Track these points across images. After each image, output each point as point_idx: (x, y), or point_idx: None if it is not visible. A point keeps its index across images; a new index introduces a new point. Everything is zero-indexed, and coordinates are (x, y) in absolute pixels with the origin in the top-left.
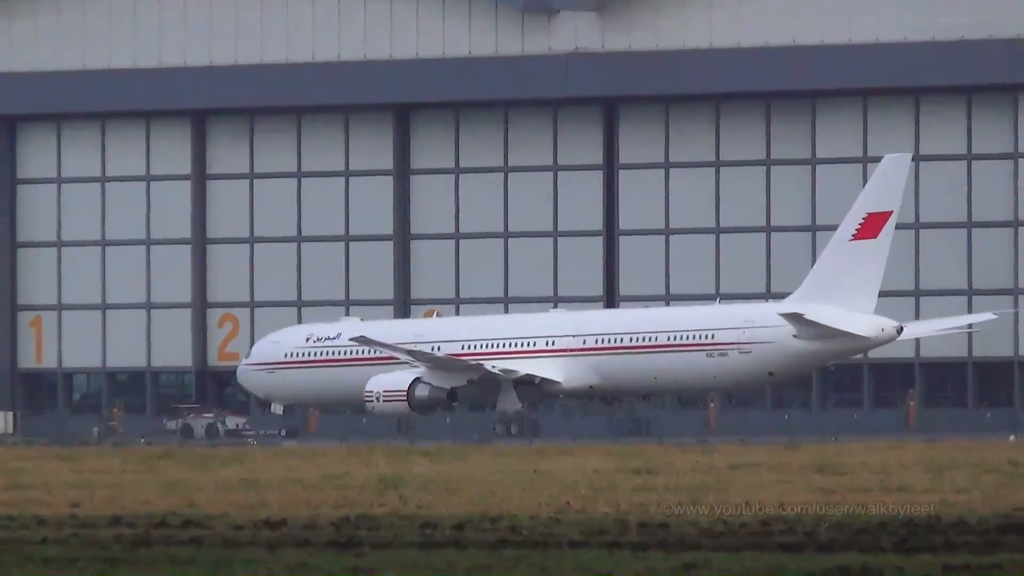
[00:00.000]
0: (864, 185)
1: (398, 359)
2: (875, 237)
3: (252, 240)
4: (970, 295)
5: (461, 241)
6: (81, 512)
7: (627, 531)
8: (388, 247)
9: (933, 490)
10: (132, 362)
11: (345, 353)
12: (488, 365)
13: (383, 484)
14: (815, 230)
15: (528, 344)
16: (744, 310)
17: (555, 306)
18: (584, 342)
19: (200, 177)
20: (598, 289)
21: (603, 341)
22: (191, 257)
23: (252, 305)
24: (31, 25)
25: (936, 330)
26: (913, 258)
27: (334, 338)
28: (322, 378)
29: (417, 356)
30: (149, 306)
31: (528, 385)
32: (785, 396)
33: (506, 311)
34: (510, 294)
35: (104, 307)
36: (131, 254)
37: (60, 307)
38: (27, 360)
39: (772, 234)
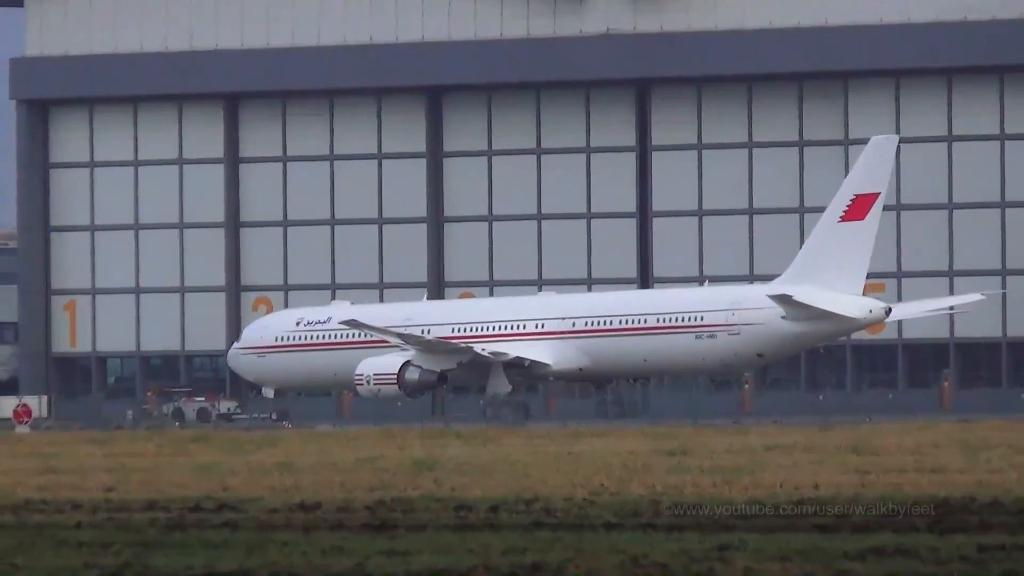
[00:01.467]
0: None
1: (388, 342)
2: (863, 219)
3: (285, 223)
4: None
5: (494, 223)
6: (115, 496)
7: (661, 513)
8: (421, 230)
9: (968, 470)
10: (166, 346)
11: (335, 337)
12: (478, 348)
13: (417, 467)
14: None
15: (518, 327)
16: (733, 292)
17: (576, 288)
18: (573, 325)
19: (233, 160)
20: (632, 271)
21: (593, 324)
22: (224, 240)
23: (286, 288)
24: (63, 9)
25: (924, 311)
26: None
27: (324, 322)
28: (312, 362)
29: (407, 339)
30: (183, 290)
31: (518, 368)
32: (820, 377)
33: (540, 292)
34: (544, 276)
35: (138, 291)
36: (164, 238)
37: (94, 291)
38: (61, 344)
39: (805, 215)
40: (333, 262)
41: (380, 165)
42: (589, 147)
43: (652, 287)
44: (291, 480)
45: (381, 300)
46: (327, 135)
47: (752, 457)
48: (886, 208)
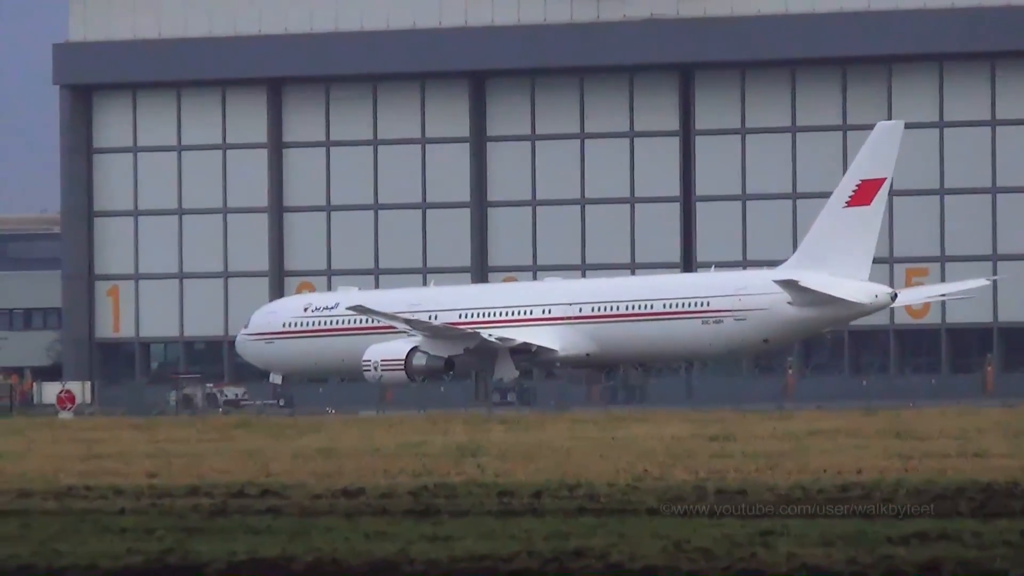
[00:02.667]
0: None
1: (395, 328)
2: (868, 204)
3: (328, 208)
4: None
5: (538, 208)
6: (158, 482)
7: (705, 498)
8: (465, 214)
9: (1011, 455)
10: (209, 331)
11: (343, 322)
12: (485, 333)
13: (460, 452)
14: (892, 195)
15: (525, 312)
16: (739, 277)
17: (620, 272)
18: (580, 310)
19: (276, 145)
20: (675, 256)
21: (599, 309)
22: (268, 225)
23: (329, 273)
24: None
25: (929, 296)
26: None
27: (332, 308)
28: (320, 347)
29: (414, 325)
30: (226, 275)
31: (525, 353)
32: (863, 362)
33: (583, 277)
34: (587, 261)
35: (181, 276)
36: (208, 223)
37: (137, 276)
38: (104, 330)
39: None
40: (376, 247)
41: (424, 150)
42: (632, 132)
43: (696, 272)
44: (334, 466)
45: (424, 285)
46: (370, 120)
47: (795, 442)
48: (917, 192)
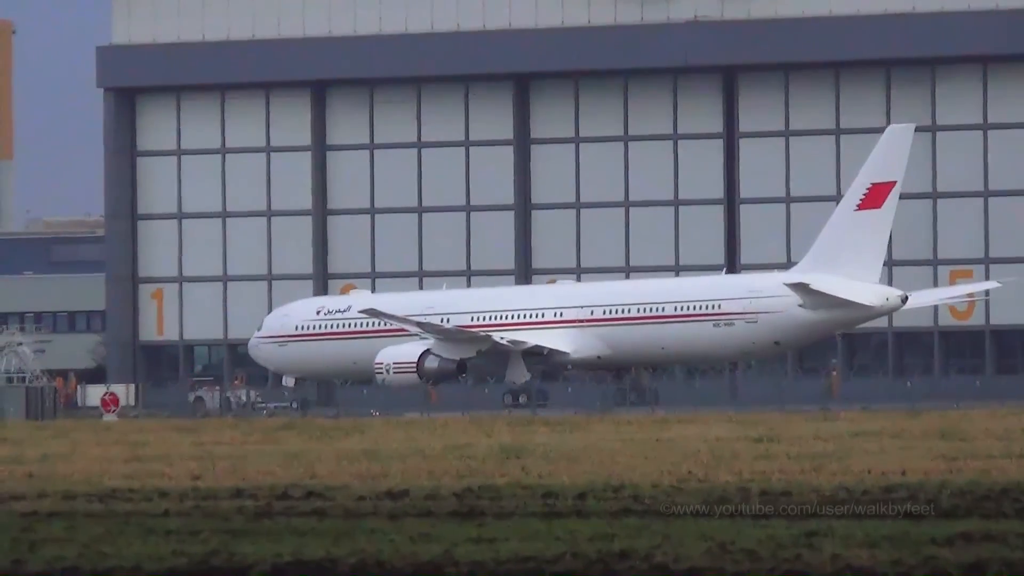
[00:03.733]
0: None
1: (408, 331)
2: (879, 207)
3: (372, 211)
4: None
5: (582, 210)
6: (203, 484)
7: (749, 499)
8: (509, 217)
9: None
10: (253, 334)
11: (355, 325)
12: (497, 336)
13: (505, 454)
14: (936, 197)
15: (536, 315)
16: (750, 280)
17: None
18: (592, 313)
19: (320, 148)
20: (719, 258)
21: (611, 312)
22: (312, 228)
23: (373, 276)
24: None
25: (940, 299)
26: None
27: (344, 311)
28: (332, 350)
29: (426, 328)
30: (270, 278)
31: (537, 356)
32: (907, 363)
33: (627, 279)
34: (631, 263)
35: (225, 279)
36: (252, 226)
37: (181, 279)
38: (148, 332)
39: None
40: (420, 249)
41: (467, 152)
42: (676, 134)
43: (739, 274)
44: (378, 468)
45: (468, 287)
46: (414, 122)
47: (839, 443)
48: (961, 195)
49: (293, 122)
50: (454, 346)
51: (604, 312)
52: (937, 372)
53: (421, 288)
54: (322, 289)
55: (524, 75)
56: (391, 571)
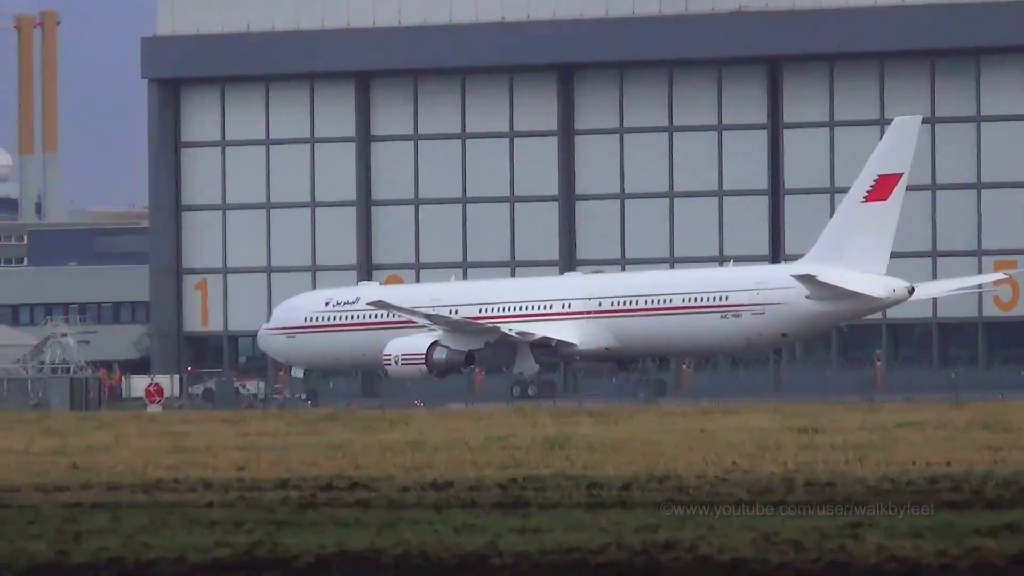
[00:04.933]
0: None
1: (416, 323)
2: (886, 199)
3: (417, 202)
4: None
5: (626, 201)
6: (247, 475)
7: (793, 490)
8: (553, 208)
9: None
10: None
11: (364, 317)
12: (505, 328)
13: (549, 445)
14: (980, 188)
15: (544, 307)
16: (757, 272)
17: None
18: (600, 304)
19: (364, 139)
20: (763, 248)
21: (618, 304)
22: (356, 219)
23: (417, 267)
24: None
25: (948, 290)
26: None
27: (353, 302)
28: (341, 342)
29: (434, 320)
30: (314, 268)
31: (544, 348)
32: (951, 354)
33: (671, 270)
34: (675, 254)
35: (269, 270)
36: (296, 217)
37: (225, 270)
38: (192, 323)
39: (937, 192)
40: (465, 240)
41: (512, 143)
42: (721, 125)
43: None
44: (423, 458)
45: (512, 276)
46: (459, 113)
47: (884, 434)
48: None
49: (337, 113)
50: (462, 338)
51: (612, 304)
52: (981, 363)
53: (465, 279)
54: (366, 280)
55: (568, 66)
56: (435, 562)
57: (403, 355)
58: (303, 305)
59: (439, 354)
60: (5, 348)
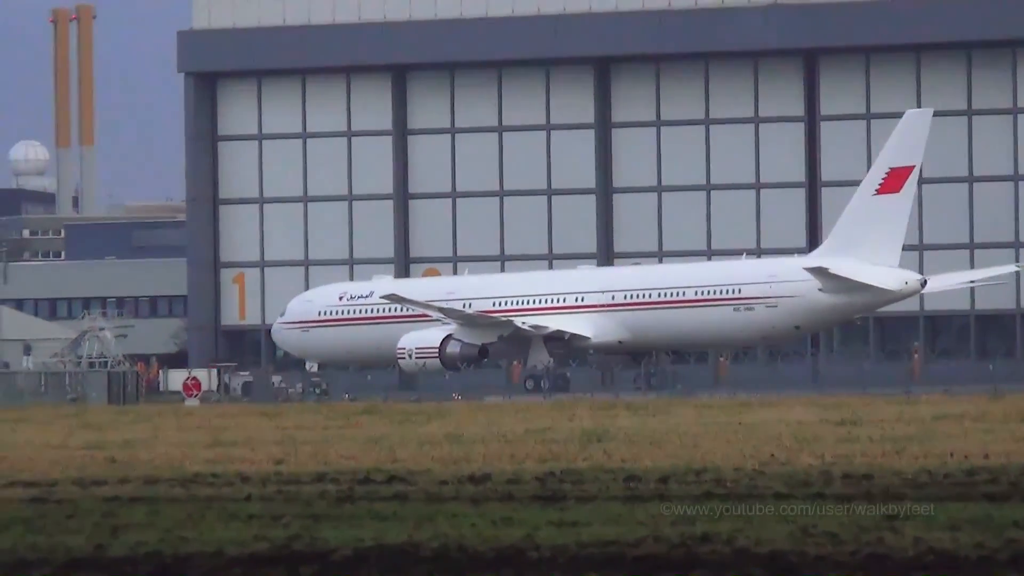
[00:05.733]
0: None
1: (430, 316)
2: (898, 191)
3: (454, 195)
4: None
5: (663, 194)
6: (284, 469)
7: (831, 482)
8: (590, 200)
9: None
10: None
11: (378, 311)
12: (518, 321)
13: (587, 438)
14: (1017, 180)
15: (558, 300)
16: (770, 265)
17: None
18: (613, 298)
19: (401, 132)
20: (801, 240)
21: (632, 297)
22: (393, 212)
23: (455, 260)
24: None
25: (959, 283)
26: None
27: (367, 296)
28: (355, 336)
29: (448, 313)
30: (351, 262)
31: (558, 341)
32: (989, 346)
33: (708, 261)
34: (712, 246)
35: (307, 263)
36: (333, 210)
37: (262, 264)
38: (230, 317)
39: (975, 184)
40: (502, 233)
41: (548, 136)
42: (757, 117)
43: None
44: (460, 452)
45: (550, 269)
46: (495, 106)
47: (922, 426)
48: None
49: (374, 106)
50: (476, 331)
51: (625, 297)
52: (1019, 354)
53: (503, 271)
54: (403, 273)
55: (605, 58)
56: (473, 555)
57: (417, 349)
58: (317, 299)
59: (453, 348)
60: (43, 342)
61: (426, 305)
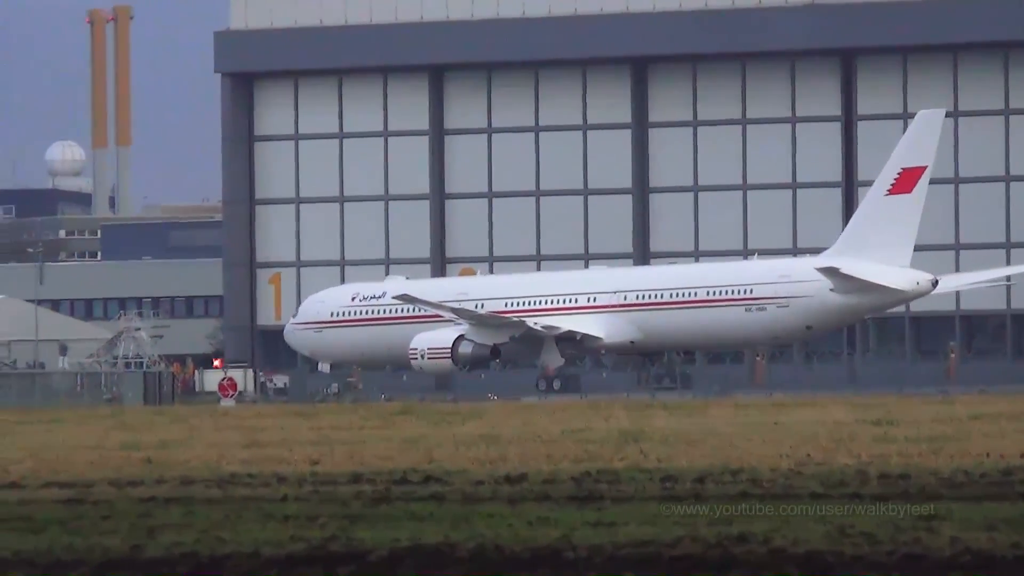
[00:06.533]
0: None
1: (442, 317)
2: (910, 192)
3: (490, 195)
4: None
5: (700, 194)
6: (321, 469)
7: (868, 482)
8: (627, 200)
9: None
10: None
11: (390, 312)
12: (530, 322)
13: (623, 438)
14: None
15: (570, 301)
16: (782, 265)
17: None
18: (625, 298)
19: (438, 132)
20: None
21: (643, 297)
22: (429, 212)
23: (491, 260)
24: None
25: (972, 283)
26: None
27: (379, 297)
28: (368, 336)
29: (460, 314)
30: (387, 262)
31: (570, 341)
32: None
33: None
34: (749, 246)
35: (343, 263)
36: (369, 210)
37: (298, 264)
38: (266, 317)
39: (1012, 184)
40: (538, 233)
41: (585, 136)
42: (794, 117)
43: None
44: (496, 452)
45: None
46: (532, 106)
47: (958, 426)
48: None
49: (411, 106)
50: (488, 332)
51: (636, 297)
52: None
53: (539, 271)
54: (440, 274)
55: (642, 58)
56: (509, 556)
57: (429, 349)
58: (330, 300)
59: (465, 348)
60: (79, 343)
61: (438, 305)
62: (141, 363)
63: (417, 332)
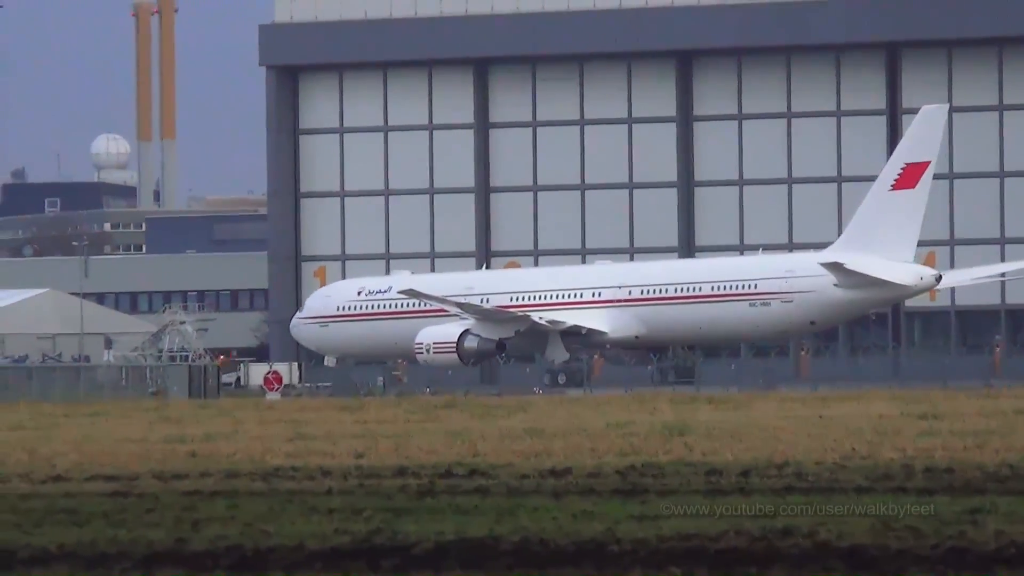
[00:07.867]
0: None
1: (447, 311)
2: (913, 187)
3: (535, 188)
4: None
5: (744, 187)
6: (365, 463)
7: (913, 476)
8: (672, 194)
9: None
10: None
11: (396, 306)
12: (535, 316)
13: (667, 431)
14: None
15: (575, 295)
16: (786, 260)
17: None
18: (630, 293)
19: (483, 125)
20: None
21: (648, 292)
22: (474, 206)
23: (536, 254)
24: None
25: (974, 278)
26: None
27: (385, 291)
28: (373, 331)
29: (466, 308)
30: (433, 255)
31: (575, 336)
32: None
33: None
34: (794, 239)
35: (388, 257)
36: (414, 203)
37: (344, 257)
38: None
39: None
40: (583, 227)
41: (630, 129)
42: (839, 111)
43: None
44: (541, 445)
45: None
46: (577, 100)
47: (1003, 420)
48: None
49: (455, 100)
50: (493, 326)
51: (641, 292)
52: None
53: (584, 264)
54: (485, 267)
55: (687, 52)
56: (554, 549)
57: (434, 344)
58: (336, 294)
59: (470, 342)
60: (124, 336)
61: (443, 300)
62: (186, 356)
63: (423, 327)
